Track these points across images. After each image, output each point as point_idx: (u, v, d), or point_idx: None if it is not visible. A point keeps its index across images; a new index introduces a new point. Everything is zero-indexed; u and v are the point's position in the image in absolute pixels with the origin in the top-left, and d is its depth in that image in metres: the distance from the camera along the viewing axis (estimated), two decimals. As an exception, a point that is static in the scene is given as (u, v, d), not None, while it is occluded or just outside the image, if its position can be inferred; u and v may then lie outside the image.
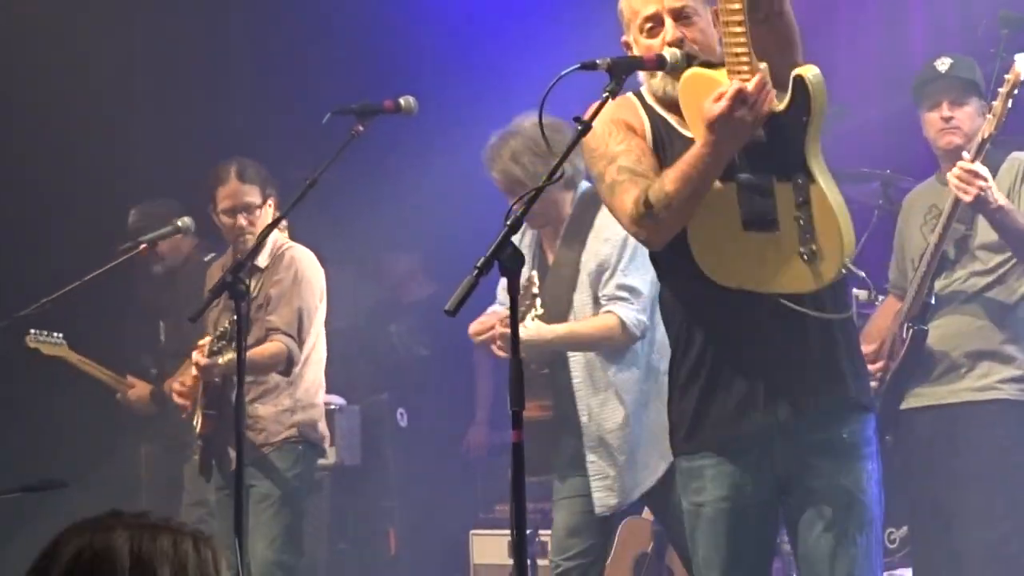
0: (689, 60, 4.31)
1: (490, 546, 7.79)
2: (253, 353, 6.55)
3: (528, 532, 6.41)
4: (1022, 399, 5.73)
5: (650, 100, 4.53)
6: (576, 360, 6.08)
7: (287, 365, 6.77)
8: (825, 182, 4.18)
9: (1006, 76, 5.50)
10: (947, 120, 5.84)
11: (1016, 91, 5.48)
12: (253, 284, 6.80)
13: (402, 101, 5.49)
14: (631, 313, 5.89)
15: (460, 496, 8.19)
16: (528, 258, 6.29)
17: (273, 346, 6.76)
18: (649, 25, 4.40)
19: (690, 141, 4.33)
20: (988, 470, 5.68)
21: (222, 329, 6.33)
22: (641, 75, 4.57)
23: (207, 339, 6.44)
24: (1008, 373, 5.73)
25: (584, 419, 6.08)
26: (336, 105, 5.55)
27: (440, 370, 8.63)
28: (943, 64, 5.93)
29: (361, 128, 5.46)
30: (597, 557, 6.18)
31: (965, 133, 5.80)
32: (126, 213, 8.25)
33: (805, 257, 4.18)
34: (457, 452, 8.61)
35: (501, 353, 5.78)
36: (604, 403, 6.05)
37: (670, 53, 4.30)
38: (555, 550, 6.25)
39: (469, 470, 8.56)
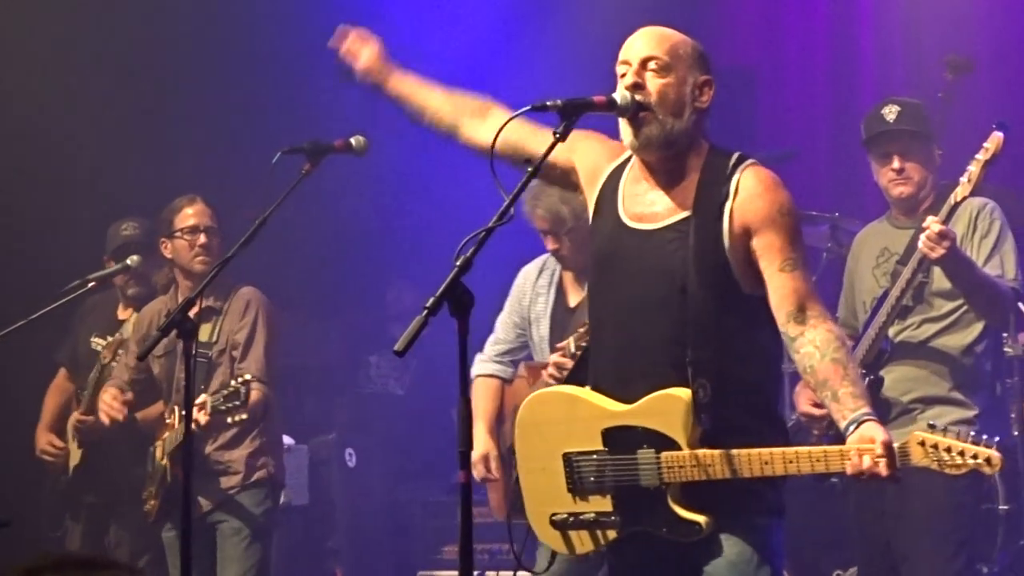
0: (639, 107, 4.27)
1: None
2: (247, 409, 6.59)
3: (476, 573, 6.45)
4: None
5: (635, 163, 4.50)
6: None
7: (264, 411, 6.78)
8: None
9: (985, 145, 5.52)
10: (898, 172, 5.94)
11: (991, 160, 5.53)
12: (210, 327, 7.01)
13: (352, 140, 5.46)
14: None
15: (408, 537, 8.17)
16: (545, 298, 6.37)
17: (256, 395, 6.71)
18: (621, 69, 4.38)
19: (630, 233, 4.42)
20: (938, 512, 5.74)
21: (228, 391, 6.31)
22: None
23: (204, 398, 6.41)
24: (958, 415, 5.76)
25: None
26: (286, 146, 5.51)
27: (412, 409, 8.60)
28: (891, 112, 5.98)
29: (310, 167, 5.42)
30: None
31: (916, 182, 5.94)
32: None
33: None
34: (406, 492, 8.53)
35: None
36: None
37: (620, 96, 4.30)
38: None
39: (419, 510, 8.46)
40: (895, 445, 5.40)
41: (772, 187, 4.32)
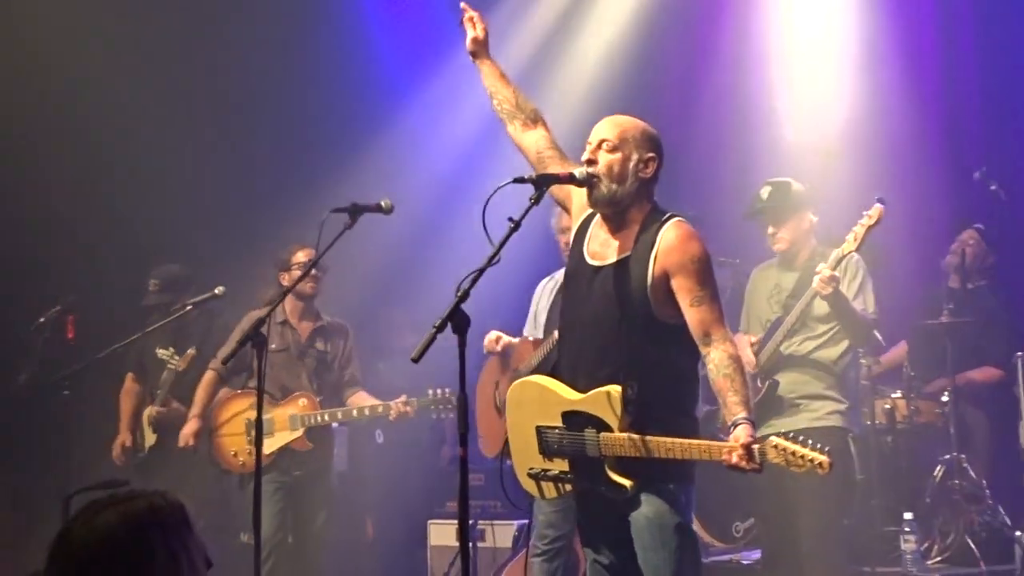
0: (590, 178, 4.24)
1: (443, 532, 7.58)
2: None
3: (470, 522, 6.43)
4: (842, 425, 5.72)
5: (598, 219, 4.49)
6: None
7: None
8: None
9: (868, 213, 5.49)
10: (772, 235, 5.93)
11: (873, 226, 5.50)
12: (322, 341, 7.07)
13: (382, 203, 5.30)
14: None
15: (421, 495, 8.04)
16: (548, 296, 6.33)
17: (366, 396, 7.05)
18: (586, 147, 4.34)
19: (587, 266, 4.38)
20: (822, 479, 5.62)
21: (436, 397, 6.73)
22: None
23: (407, 398, 6.68)
24: (832, 408, 5.71)
25: None
26: (332, 206, 5.26)
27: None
28: (765, 192, 5.96)
29: (351, 223, 5.23)
30: (569, 541, 6.07)
31: (788, 241, 5.90)
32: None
33: None
34: (419, 461, 8.34)
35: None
36: None
37: (578, 170, 4.27)
38: (536, 536, 6.13)
39: (428, 475, 8.27)
40: (787, 429, 5.43)
41: (686, 239, 4.25)
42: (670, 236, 4.23)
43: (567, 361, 4.50)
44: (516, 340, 6.41)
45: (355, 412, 6.97)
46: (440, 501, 7.91)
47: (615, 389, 4.17)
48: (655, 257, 4.22)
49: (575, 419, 4.27)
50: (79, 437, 6.77)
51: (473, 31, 4.83)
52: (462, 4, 4.87)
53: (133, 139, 8.29)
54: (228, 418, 6.85)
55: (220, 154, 9.05)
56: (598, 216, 4.43)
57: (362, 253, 7.26)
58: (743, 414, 4.04)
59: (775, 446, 3.87)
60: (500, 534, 7.26)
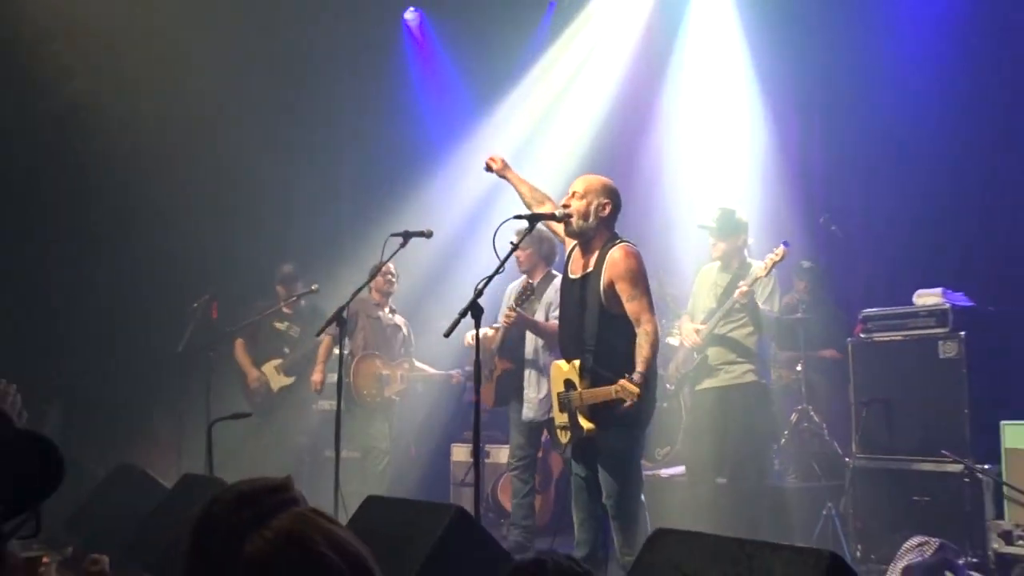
0: (566, 216, 4.37)
1: (461, 451, 7.70)
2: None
3: (482, 445, 6.56)
4: (755, 380, 5.59)
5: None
6: (529, 339, 5.97)
7: None
8: None
9: (776, 249, 5.46)
10: (713, 245, 5.76)
11: (778, 261, 5.47)
12: (393, 318, 6.99)
13: (425, 230, 5.25)
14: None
15: (446, 427, 7.98)
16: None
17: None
18: (567, 196, 4.45)
19: (569, 279, 4.46)
20: (742, 415, 5.59)
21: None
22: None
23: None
24: (746, 368, 5.59)
25: (526, 372, 5.97)
26: (390, 232, 5.28)
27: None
28: (714, 215, 5.80)
29: (404, 244, 5.19)
30: (533, 458, 6.15)
31: (724, 252, 5.73)
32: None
33: None
34: (445, 405, 8.01)
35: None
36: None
37: (558, 211, 4.41)
38: (511, 456, 6.20)
39: (451, 415, 8.06)
40: (715, 386, 5.47)
41: (624, 257, 4.28)
42: (615, 255, 4.30)
43: (562, 344, 4.55)
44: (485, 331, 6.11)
45: (431, 372, 7.09)
46: (459, 431, 7.93)
47: (577, 362, 4.29)
48: (604, 270, 4.28)
49: (567, 384, 4.34)
50: (218, 384, 6.75)
51: (496, 166, 4.82)
52: (487, 160, 4.85)
53: (258, 171, 8.22)
54: (364, 371, 6.73)
55: (315, 187, 8.97)
56: (576, 245, 4.48)
57: (410, 264, 7.24)
58: (638, 370, 4.09)
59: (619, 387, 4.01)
60: (499, 454, 7.31)
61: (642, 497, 4.43)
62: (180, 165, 7.81)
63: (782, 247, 5.48)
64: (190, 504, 4.58)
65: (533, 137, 8.58)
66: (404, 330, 7.04)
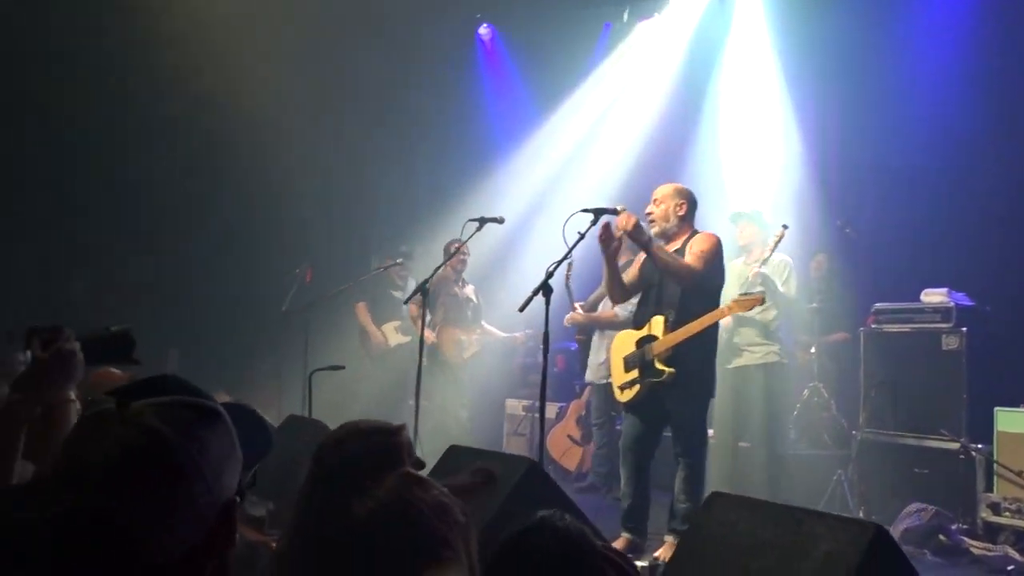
0: (650, 219, 4.39)
1: (514, 405, 7.65)
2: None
3: (534, 402, 6.49)
4: (777, 360, 5.53)
5: None
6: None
7: None
8: None
9: (776, 233, 5.39)
10: (742, 233, 5.71)
11: (779, 241, 5.39)
12: (470, 289, 6.97)
13: (499, 217, 5.18)
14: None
15: (503, 385, 7.87)
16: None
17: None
18: (649, 204, 4.47)
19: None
20: (763, 391, 5.52)
21: None
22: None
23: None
24: (769, 350, 5.54)
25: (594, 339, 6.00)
26: (467, 217, 5.22)
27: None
28: (743, 214, 5.80)
29: (479, 228, 5.13)
30: (608, 416, 6.19)
31: (746, 236, 5.70)
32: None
33: None
34: (501, 366, 7.81)
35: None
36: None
37: (618, 207, 4.27)
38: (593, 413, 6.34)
39: (506, 374, 7.86)
40: (740, 365, 5.38)
41: (705, 236, 4.35)
42: (698, 237, 4.35)
43: (639, 316, 4.51)
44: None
45: (499, 334, 7.05)
46: (513, 388, 7.91)
47: (661, 317, 4.28)
48: (687, 249, 4.33)
49: (643, 341, 4.31)
50: (314, 340, 6.68)
51: (612, 243, 4.41)
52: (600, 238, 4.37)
53: (351, 163, 8.28)
54: (447, 338, 6.75)
55: (396, 177, 8.97)
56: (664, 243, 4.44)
57: (481, 244, 7.21)
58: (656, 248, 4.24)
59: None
60: (549, 411, 7.05)
61: (707, 454, 4.37)
62: (290, 154, 7.84)
63: (781, 228, 5.40)
64: (295, 441, 4.59)
65: (586, 142, 8.49)
66: (475, 299, 7.06)
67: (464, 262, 6.84)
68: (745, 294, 4.25)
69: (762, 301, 4.20)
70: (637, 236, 4.24)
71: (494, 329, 7.14)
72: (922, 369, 5.45)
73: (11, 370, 2.23)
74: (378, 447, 1.92)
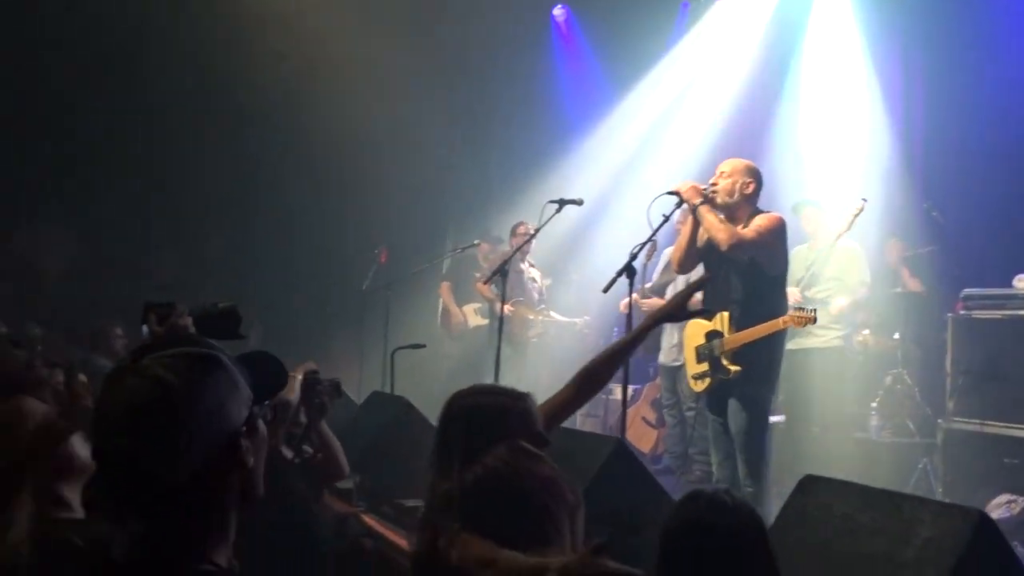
0: (714, 193, 4.23)
1: None
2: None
3: (611, 385, 6.46)
4: (839, 345, 5.60)
5: None
6: (668, 294, 5.91)
7: None
8: None
9: (856, 207, 5.35)
10: (809, 221, 5.74)
11: (858, 215, 5.37)
12: (535, 270, 6.99)
13: (578, 199, 5.17)
14: None
15: (575, 367, 7.97)
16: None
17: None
18: (715, 175, 4.30)
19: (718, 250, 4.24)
20: (823, 376, 5.56)
21: None
22: None
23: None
24: (835, 335, 5.58)
25: None
26: (542, 198, 5.22)
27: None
28: (806, 202, 5.80)
29: (559, 210, 5.06)
30: (679, 397, 6.15)
31: (811, 224, 5.72)
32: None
33: None
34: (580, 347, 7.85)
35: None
36: None
37: (706, 189, 4.21)
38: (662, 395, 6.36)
39: (579, 357, 8.03)
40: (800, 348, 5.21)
41: (762, 218, 4.18)
42: (760, 218, 4.17)
43: (705, 304, 4.37)
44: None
45: (561, 319, 7.09)
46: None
47: (726, 314, 4.19)
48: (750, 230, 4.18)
49: (712, 335, 4.26)
50: (392, 317, 6.79)
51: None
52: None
53: (426, 147, 8.38)
54: (514, 316, 6.77)
55: (470, 161, 9.05)
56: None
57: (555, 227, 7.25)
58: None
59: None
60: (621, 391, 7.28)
61: (768, 439, 4.30)
62: (369, 139, 7.95)
63: (861, 201, 5.32)
64: (379, 416, 4.73)
65: (662, 123, 8.39)
66: (539, 282, 7.06)
67: (529, 242, 6.83)
68: (800, 309, 4.12)
69: (814, 320, 4.09)
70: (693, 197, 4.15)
71: (555, 314, 7.18)
72: (1013, 356, 5.28)
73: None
74: (501, 406, 2.00)
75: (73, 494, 1.62)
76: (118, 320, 5.90)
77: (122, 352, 5.89)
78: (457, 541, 1.81)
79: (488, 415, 2.08)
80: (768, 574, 1.67)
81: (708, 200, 4.20)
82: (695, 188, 4.21)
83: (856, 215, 5.37)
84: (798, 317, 4.04)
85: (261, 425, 1.35)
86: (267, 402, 1.41)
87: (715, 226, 4.16)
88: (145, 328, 2.43)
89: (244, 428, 1.28)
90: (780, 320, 4.04)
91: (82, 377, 3.50)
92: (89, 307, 6.92)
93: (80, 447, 1.76)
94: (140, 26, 7.24)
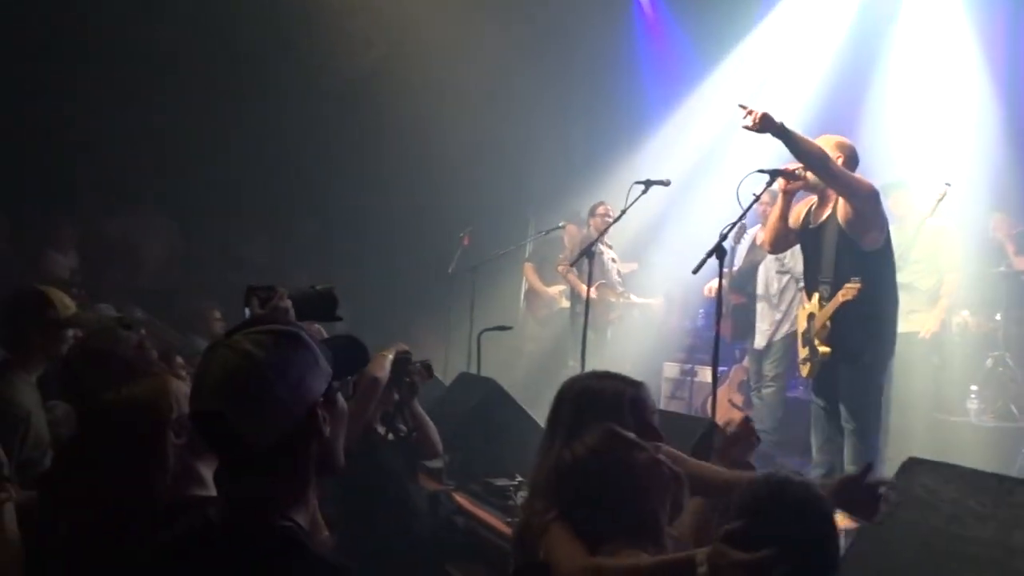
0: (803, 173, 4.10)
1: (671, 368, 7.50)
2: None
3: (691, 366, 6.45)
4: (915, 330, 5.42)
5: None
6: (760, 274, 5.91)
7: None
8: None
9: (940, 190, 5.25)
10: (899, 203, 5.49)
11: (941, 199, 5.27)
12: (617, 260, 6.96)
13: (665, 179, 5.01)
14: None
15: (658, 348, 7.71)
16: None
17: None
18: None
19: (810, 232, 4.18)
20: (916, 359, 5.42)
21: None
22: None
23: None
24: (926, 316, 5.45)
25: (758, 305, 5.91)
26: (622, 178, 5.23)
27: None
28: (895, 187, 5.55)
29: (645, 191, 4.97)
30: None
31: (902, 206, 5.50)
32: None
33: None
34: (656, 329, 7.77)
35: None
36: None
37: (796, 168, 4.15)
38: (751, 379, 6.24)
39: (662, 338, 7.69)
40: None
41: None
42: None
43: (806, 287, 4.37)
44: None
45: (639, 302, 7.03)
46: (670, 352, 7.75)
47: (816, 295, 4.15)
48: (839, 208, 4.09)
49: (810, 318, 4.20)
50: (478, 300, 6.76)
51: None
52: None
53: (506, 131, 8.38)
54: (599, 295, 6.67)
55: (552, 145, 9.01)
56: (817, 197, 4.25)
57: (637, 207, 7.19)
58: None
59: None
60: (705, 373, 7.10)
61: (879, 428, 4.20)
62: (453, 123, 7.98)
63: (944, 186, 5.21)
64: (467, 396, 4.81)
65: (750, 99, 8.13)
66: (617, 264, 7.02)
67: (607, 222, 6.66)
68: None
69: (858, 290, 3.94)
70: (769, 126, 3.87)
71: (633, 296, 7.14)
72: None
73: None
74: (615, 391, 2.03)
75: (208, 472, 1.71)
76: (215, 303, 6.12)
77: (220, 334, 6.08)
78: (547, 532, 1.83)
79: (601, 399, 2.11)
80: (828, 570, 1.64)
81: (796, 177, 4.10)
82: (768, 118, 3.90)
83: (940, 200, 5.26)
84: (849, 288, 3.90)
85: (340, 399, 1.48)
86: (348, 378, 1.58)
87: (812, 154, 3.94)
88: (248, 311, 2.51)
89: (323, 400, 1.41)
90: (839, 294, 3.92)
91: (179, 359, 3.66)
92: (187, 291, 7.20)
93: None
94: (228, 11, 7.33)
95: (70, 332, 2.98)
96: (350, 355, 1.52)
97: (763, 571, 1.53)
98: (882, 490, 2.01)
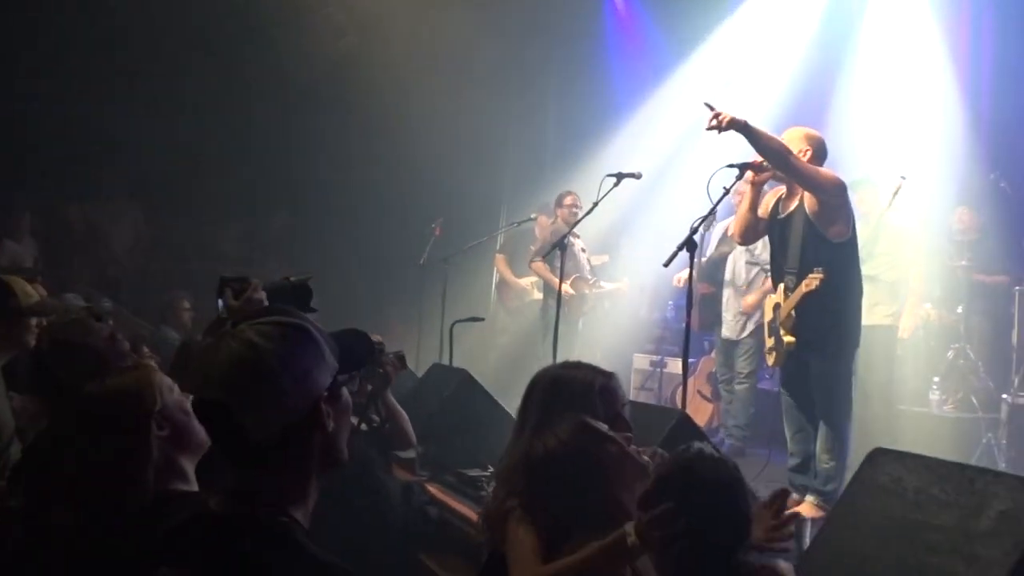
0: (767, 165, 4.10)
1: (641, 360, 7.58)
2: None
3: (661, 357, 6.49)
4: (890, 324, 5.51)
5: None
6: (729, 264, 5.97)
7: None
8: None
9: (896, 185, 5.30)
10: (863, 201, 5.47)
11: (897, 192, 5.32)
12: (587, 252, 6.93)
13: (636, 172, 5.13)
14: None
15: (629, 339, 7.78)
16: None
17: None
18: None
19: (778, 222, 4.21)
20: (878, 352, 5.49)
21: None
22: None
23: None
24: (886, 312, 5.49)
25: (724, 293, 5.94)
26: (606, 173, 5.15)
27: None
28: (861, 182, 5.52)
29: (616, 184, 5.02)
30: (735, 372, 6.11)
31: (867, 203, 5.50)
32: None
33: None
34: (628, 320, 7.87)
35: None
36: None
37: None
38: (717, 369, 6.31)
39: (634, 328, 7.80)
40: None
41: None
42: None
43: (772, 277, 4.42)
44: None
45: (605, 287, 7.05)
46: (640, 344, 7.81)
47: (781, 286, 4.17)
48: (805, 200, 4.10)
49: (776, 308, 4.22)
50: (450, 291, 6.74)
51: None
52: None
53: (480, 124, 8.39)
54: (576, 291, 6.73)
55: (525, 136, 9.01)
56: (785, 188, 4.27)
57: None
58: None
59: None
60: (675, 365, 7.09)
61: (848, 416, 4.23)
62: (424, 115, 7.95)
63: (900, 179, 5.24)
64: (439, 387, 4.81)
65: (720, 92, 8.06)
66: (587, 253, 7.04)
67: (575, 214, 6.66)
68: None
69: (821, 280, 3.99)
70: (731, 124, 3.89)
71: (604, 283, 7.15)
72: (1084, 331, 5.19)
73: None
74: (586, 380, 2.04)
75: (190, 467, 1.70)
76: (186, 293, 6.07)
77: (189, 324, 6.08)
78: (506, 521, 1.89)
79: (571, 388, 2.11)
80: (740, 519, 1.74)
81: (764, 169, 4.13)
82: (733, 119, 3.94)
83: (896, 193, 5.26)
84: (811, 279, 3.96)
85: (345, 394, 1.46)
86: (354, 374, 1.55)
87: (772, 145, 3.96)
88: (221, 302, 2.49)
89: (327, 394, 1.39)
90: (802, 285, 3.99)
91: (146, 349, 3.62)
92: (153, 280, 7.11)
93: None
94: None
95: (34, 321, 2.92)
96: (356, 350, 1.50)
97: (667, 524, 1.65)
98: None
